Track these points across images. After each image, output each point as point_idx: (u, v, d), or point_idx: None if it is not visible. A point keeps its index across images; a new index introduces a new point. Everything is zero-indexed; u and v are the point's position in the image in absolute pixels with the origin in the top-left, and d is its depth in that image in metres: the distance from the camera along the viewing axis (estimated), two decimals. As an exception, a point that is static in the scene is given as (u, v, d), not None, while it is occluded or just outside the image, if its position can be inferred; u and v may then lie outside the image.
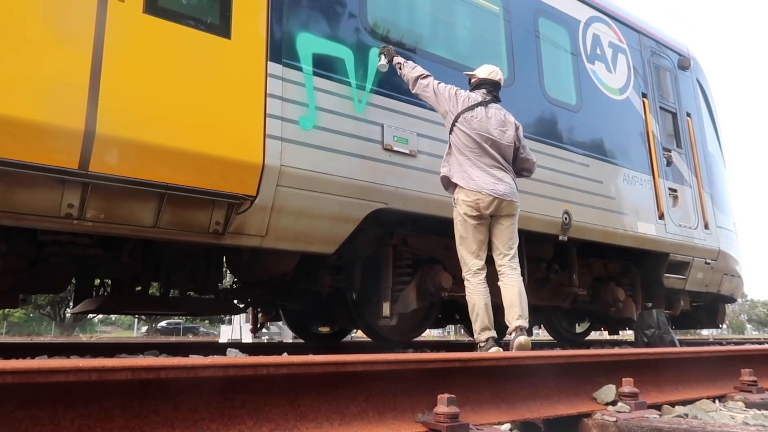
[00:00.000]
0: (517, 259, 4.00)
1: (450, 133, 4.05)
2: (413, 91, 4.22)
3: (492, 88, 4.19)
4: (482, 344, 3.79)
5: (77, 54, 3.01)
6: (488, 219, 3.93)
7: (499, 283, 3.93)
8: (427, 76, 4.15)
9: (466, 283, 3.93)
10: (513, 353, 2.56)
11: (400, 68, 4.26)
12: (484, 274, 3.89)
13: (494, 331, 3.83)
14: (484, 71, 4.26)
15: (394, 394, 1.94)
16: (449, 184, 4.04)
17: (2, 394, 1.32)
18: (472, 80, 4.30)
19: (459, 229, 3.96)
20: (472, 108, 4.00)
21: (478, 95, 4.14)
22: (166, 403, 1.54)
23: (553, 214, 5.16)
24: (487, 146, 3.95)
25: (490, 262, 3.99)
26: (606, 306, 6.30)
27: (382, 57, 4.26)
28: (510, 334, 3.79)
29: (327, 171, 3.83)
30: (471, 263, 3.90)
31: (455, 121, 4.00)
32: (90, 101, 3.00)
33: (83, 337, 29.03)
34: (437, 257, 5.06)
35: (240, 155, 3.46)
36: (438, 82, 4.14)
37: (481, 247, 3.94)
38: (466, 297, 3.90)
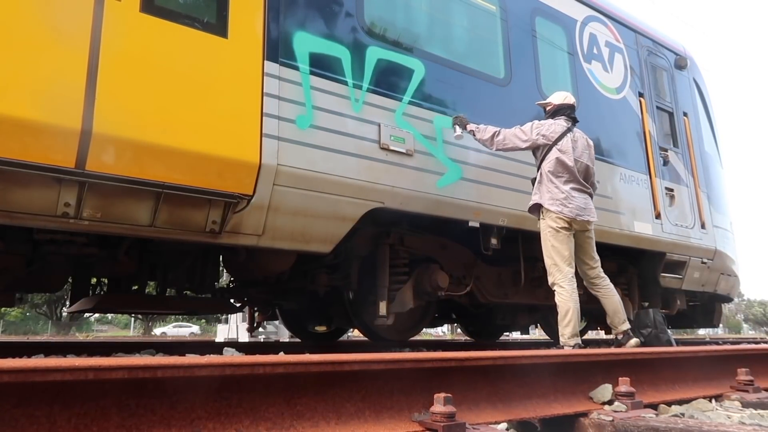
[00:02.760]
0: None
1: (542, 162, 4.26)
2: (494, 150, 4.41)
3: (570, 111, 4.43)
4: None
5: (74, 53, 3.00)
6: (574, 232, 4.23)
7: (595, 292, 4.32)
8: (499, 132, 4.34)
9: (559, 289, 4.14)
10: (508, 352, 2.56)
11: (474, 134, 4.41)
12: (575, 282, 4.15)
13: (580, 338, 4.10)
14: (558, 98, 4.49)
15: (390, 393, 1.95)
16: (539, 208, 4.26)
17: (-2, 394, 1.32)
18: (548, 108, 4.51)
19: (550, 239, 4.17)
20: (562, 136, 4.24)
21: (561, 122, 4.35)
22: (163, 402, 1.54)
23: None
24: (576, 170, 4.20)
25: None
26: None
27: (457, 127, 4.40)
28: (617, 336, 4.30)
29: (324, 170, 3.82)
30: (566, 270, 4.13)
31: (548, 150, 4.21)
32: (87, 100, 2.99)
33: (80, 336, 28.95)
34: (434, 256, 5.07)
35: (237, 154, 3.45)
36: (511, 129, 4.35)
37: (572, 255, 4.20)
38: (559, 302, 4.12)
